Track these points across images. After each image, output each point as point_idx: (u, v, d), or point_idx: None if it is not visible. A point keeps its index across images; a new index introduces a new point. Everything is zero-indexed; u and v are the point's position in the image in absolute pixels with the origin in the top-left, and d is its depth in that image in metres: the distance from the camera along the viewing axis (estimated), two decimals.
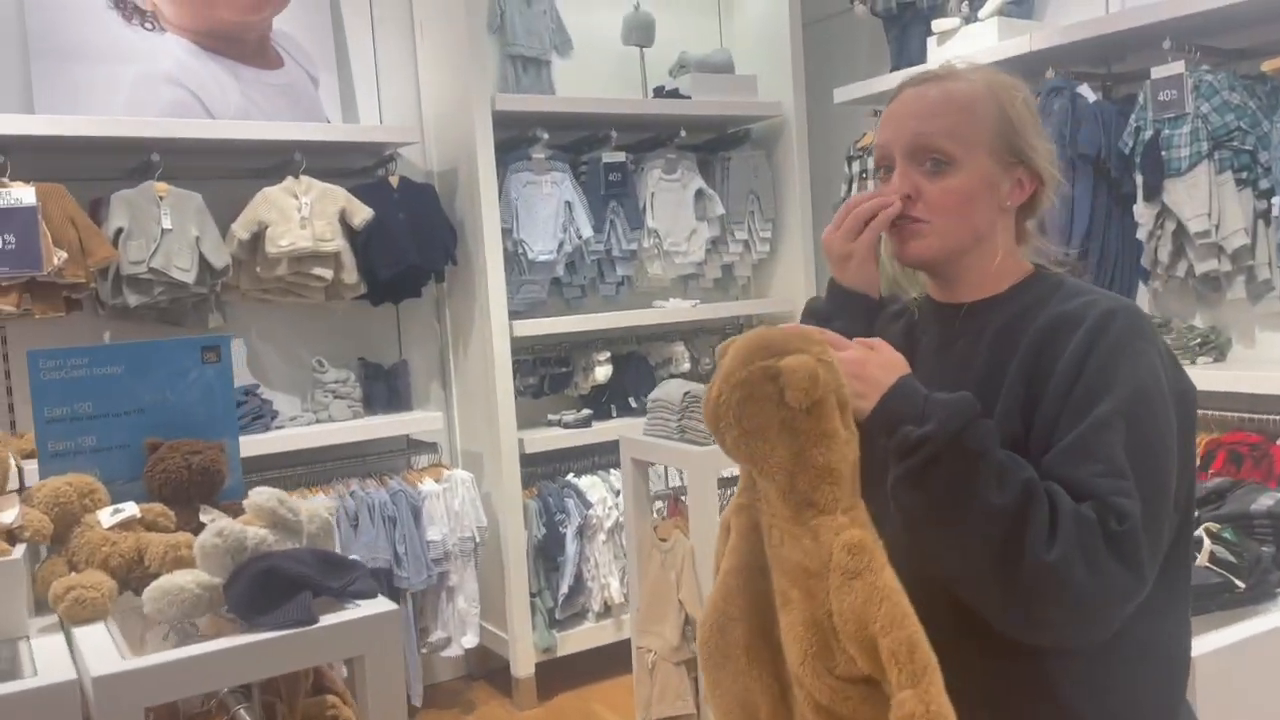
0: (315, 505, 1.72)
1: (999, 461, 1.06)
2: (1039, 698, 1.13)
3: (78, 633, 1.53)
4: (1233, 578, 1.82)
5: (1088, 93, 3.30)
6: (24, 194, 2.96)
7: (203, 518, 1.78)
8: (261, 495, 1.64)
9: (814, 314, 1.37)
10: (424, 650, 3.61)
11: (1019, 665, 1.12)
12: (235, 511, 1.76)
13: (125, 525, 1.69)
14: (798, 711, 1.10)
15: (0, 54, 3.17)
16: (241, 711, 1.54)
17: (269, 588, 1.50)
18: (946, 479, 1.05)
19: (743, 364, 1.06)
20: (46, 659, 1.43)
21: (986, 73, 1.25)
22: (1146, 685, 1.17)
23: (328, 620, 1.52)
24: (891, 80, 3.86)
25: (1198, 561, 1.86)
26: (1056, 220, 3.47)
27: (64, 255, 3.00)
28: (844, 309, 1.32)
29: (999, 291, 1.26)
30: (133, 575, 1.65)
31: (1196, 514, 2.06)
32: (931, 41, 3.77)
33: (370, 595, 1.61)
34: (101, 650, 1.45)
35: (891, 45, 4.05)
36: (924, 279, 1.34)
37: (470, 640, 3.62)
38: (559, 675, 3.76)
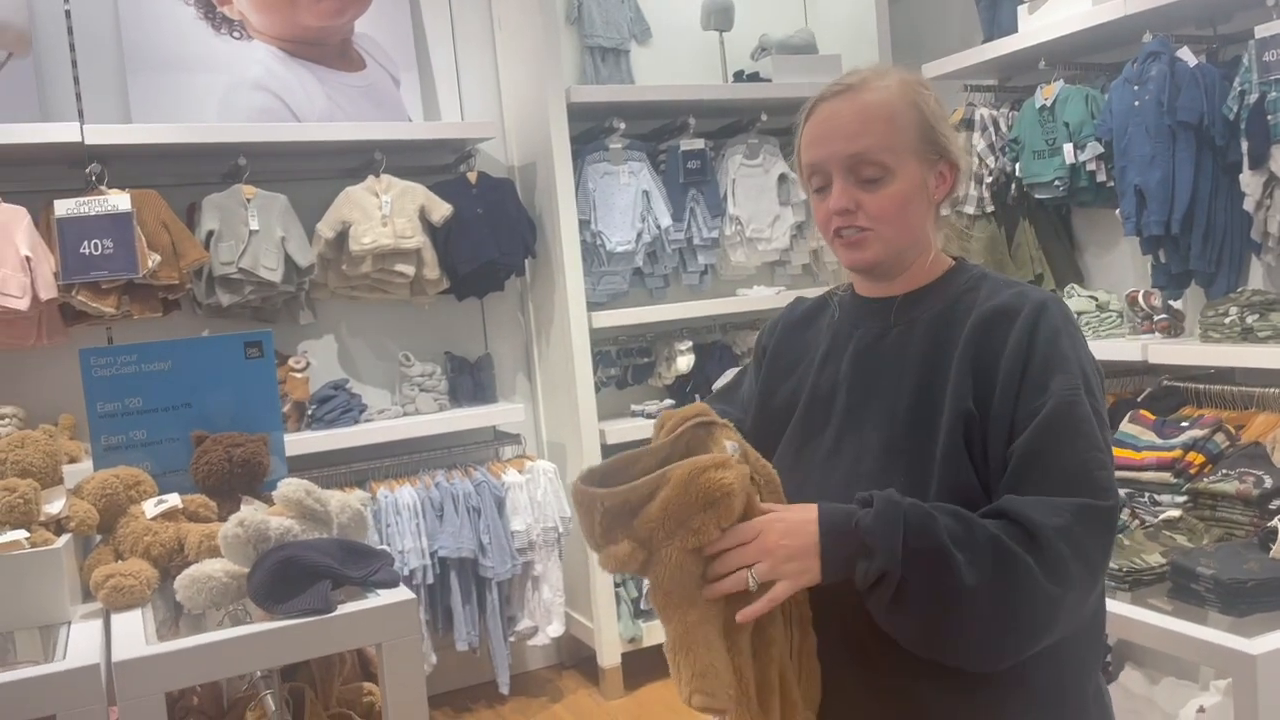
0: (347, 496, 1.76)
1: (954, 541, 1.06)
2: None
3: (115, 619, 1.60)
4: None
5: (1188, 56, 3.10)
6: (120, 201, 3.11)
7: (244, 508, 1.84)
8: (289, 486, 1.68)
9: None
10: (512, 639, 3.66)
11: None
12: None
13: (168, 515, 1.76)
14: None
15: (100, 68, 3.35)
16: (266, 696, 1.59)
17: (288, 577, 1.54)
18: (923, 590, 1.06)
19: (674, 528, 1.09)
20: (79, 644, 1.50)
21: (894, 75, 1.28)
22: (1088, 651, 1.23)
23: (346, 609, 1.55)
24: (983, 53, 3.71)
25: (1272, 553, 1.73)
26: (1157, 193, 3.29)
27: (158, 258, 3.15)
28: None
29: (927, 282, 1.30)
30: (173, 564, 1.72)
31: None
32: (1023, 10, 3.61)
33: (392, 584, 1.63)
34: (132, 636, 1.52)
35: (982, 16, 3.89)
36: (852, 275, 1.37)
37: (556, 629, 3.66)
38: (645, 665, 3.76)
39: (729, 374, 3.78)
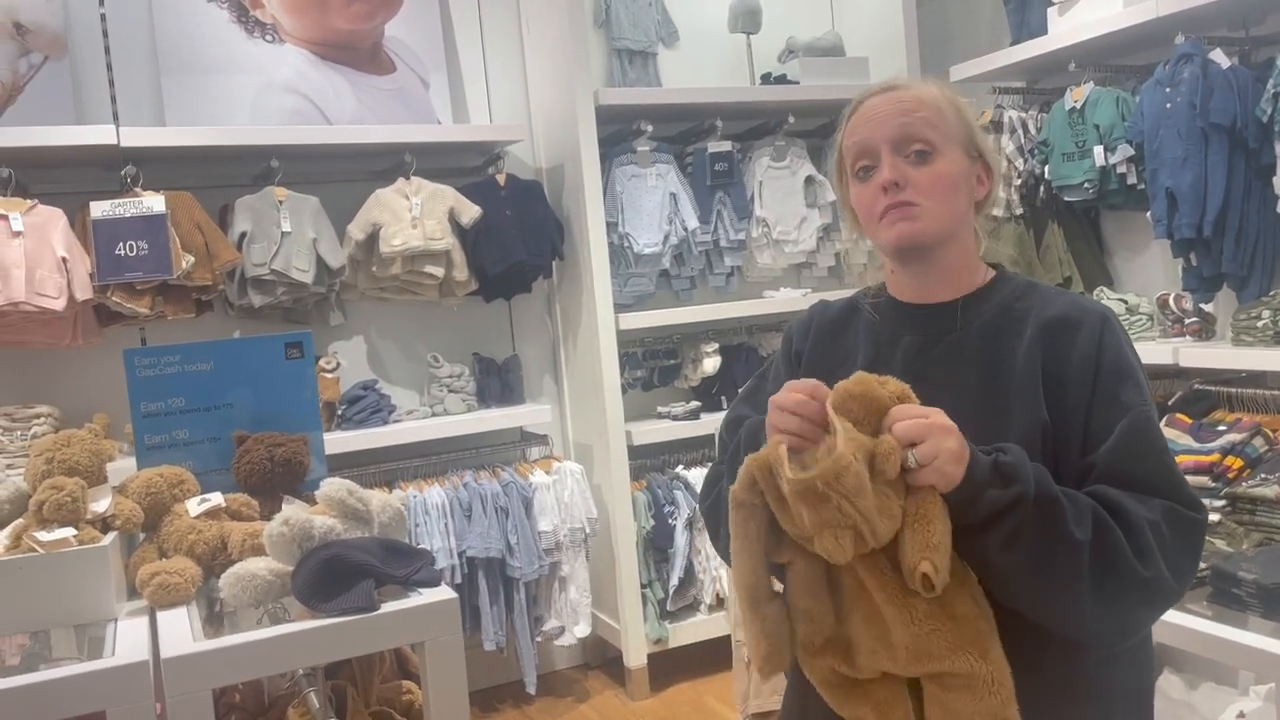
0: (387, 496, 1.77)
1: (1067, 501, 1.10)
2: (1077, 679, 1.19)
3: (161, 616, 1.62)
4: None
5: (1220, 58, 3.08)
6: (154, 202, 3.14)
7: (286, 507, 1.85)
8: (332, 486, 1.70)
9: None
10: (539, 639, 3.67)
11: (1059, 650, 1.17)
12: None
13: (211, 514, 1.78)
14: None
15: (134, 71, 3.38)
16: (310, 694, 1.60)
17: (333, 575, 1.55)
18: (1038, 532, 1.08)
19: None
20: (127, 641, 1.52)
21: (937, 82, 1.33)
22: (1146, 663, 1.27)
23: (389, 607, 1.56)
24: (1012, 55, 3.70)
25: None
26: (1189, 195, 3.28)
27: (191, 259, 3.17)
28: None
29: (972, 289, 1.31)
30: (216, 562, 1.74)
31: None
32: (1053, 12, 3.60)
33: (433, 583, 1.65)
34: (179, 633, 1.53)
35: (1011, 18, 3.88)
36: (888, 277, 1.36)
37: (583, 629, 3.67)
38: (671, 666, 3.77)
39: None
